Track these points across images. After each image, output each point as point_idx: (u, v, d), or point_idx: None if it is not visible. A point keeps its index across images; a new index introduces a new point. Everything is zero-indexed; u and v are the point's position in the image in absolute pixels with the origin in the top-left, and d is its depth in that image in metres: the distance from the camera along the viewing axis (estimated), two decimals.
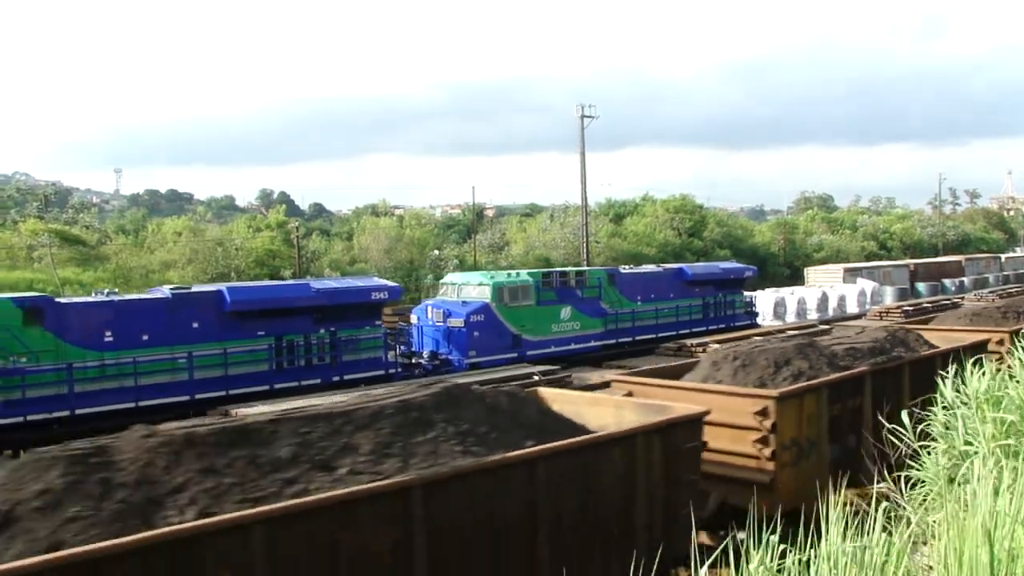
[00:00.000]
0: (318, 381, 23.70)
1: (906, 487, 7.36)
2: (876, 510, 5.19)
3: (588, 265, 51.33)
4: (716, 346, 24.01)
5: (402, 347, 27.11)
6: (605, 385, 15.41)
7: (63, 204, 69.06)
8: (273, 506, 6.24)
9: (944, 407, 8.47)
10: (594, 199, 73.34)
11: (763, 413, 10.30)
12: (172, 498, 6.43)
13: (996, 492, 5.55)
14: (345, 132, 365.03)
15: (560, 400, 10.37)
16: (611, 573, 7.97)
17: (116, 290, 26.49)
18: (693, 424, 9.25)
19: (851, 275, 51.49)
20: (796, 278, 62.97)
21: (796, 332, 29.64)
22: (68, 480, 6.23)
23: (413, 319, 28.56)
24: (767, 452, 10.31)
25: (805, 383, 11.29)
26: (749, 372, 11.90)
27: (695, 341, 29.68)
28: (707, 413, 9.49)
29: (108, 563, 5.43)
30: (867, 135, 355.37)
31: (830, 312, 43.39)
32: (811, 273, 55.22)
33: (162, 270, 49.59)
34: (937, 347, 14.73)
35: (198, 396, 21.47)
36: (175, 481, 6.54)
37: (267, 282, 39.76)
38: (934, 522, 6.23)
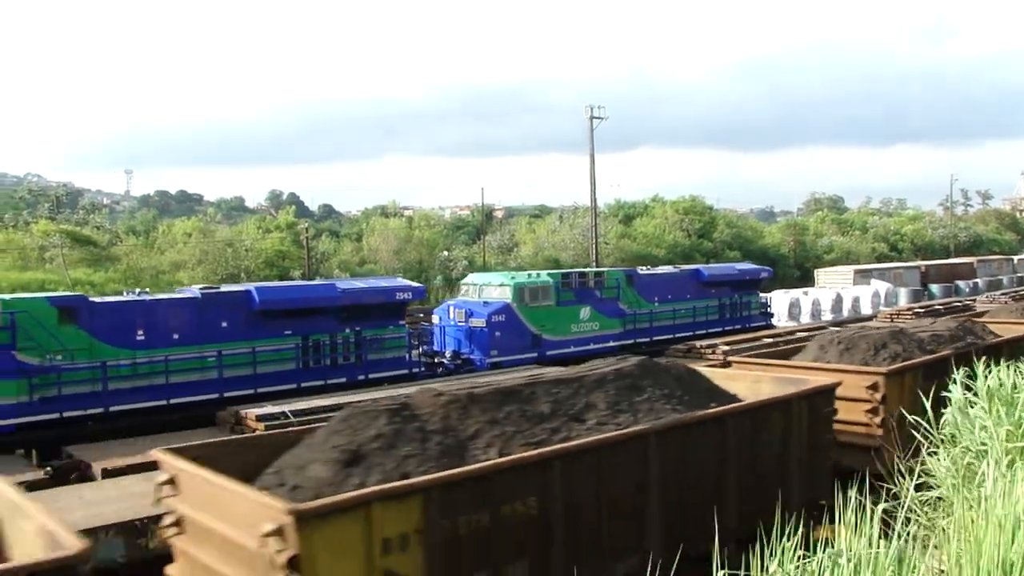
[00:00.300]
0: (344, 380, 23.85)
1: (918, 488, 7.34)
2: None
3: (598, 266, 51.32)
4: (725, 348, 23.98)
5: (424, 347, 27.27)
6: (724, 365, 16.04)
7: (74, 205, 69.41)
8: (566, 444, 8.18)
9: (960, 406, 8.44)
10: (603, 200, 73.23)
11: (874, 387, 11.88)
12: (472, 441, 8.08)
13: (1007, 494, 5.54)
14: (355, 133, 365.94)
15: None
16: (772, 508, 8.62)
17: (147, 289, 26.67)
18: (829, 393, 11.09)
19: (862, 277, 51.24)
20: (806, 279, 62.78)
21: (805, 333, 29.63)
22: (394, 427, 7.88)
23: (435, 319, 28.70)
24: (877, 420, 11.85)
25: (904, 363, 12.97)
26: (853, 354, 13.76)
27: (704, 343, 29.62)
28: (839, 384, 11.26)
29: (503, 474, 7.49)
30: (878, 136, 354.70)
31: (844, 313, 43.25)
32: (821, 275, 55.00)
33: (172, 271, 49.76)
34: (1001, 336, 16.35)
35: (227, 394, 21.63)
36: (470, 429, 8.20)
37: (294, 282, 39.86)
38: (945, 527, 6.22)
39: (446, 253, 62.89)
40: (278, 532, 6.23)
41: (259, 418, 18.27)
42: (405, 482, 7.01)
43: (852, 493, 5.87)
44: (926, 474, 7.85)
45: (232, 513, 6.80)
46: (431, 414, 8.21)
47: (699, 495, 9.12)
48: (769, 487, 9.51)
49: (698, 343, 29.79)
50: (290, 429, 9.87)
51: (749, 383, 11.48)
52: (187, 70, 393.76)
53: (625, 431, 8.61)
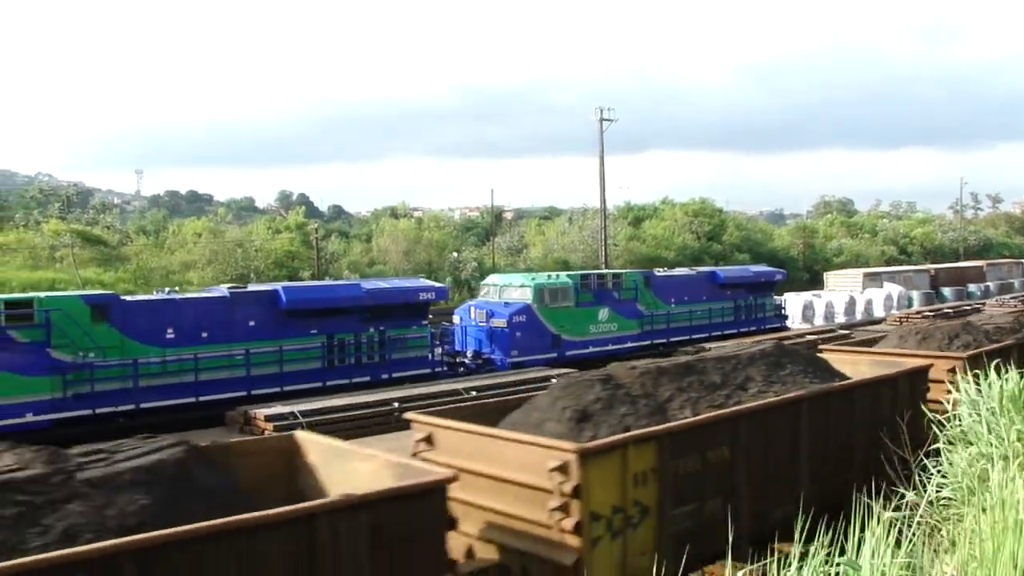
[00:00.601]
0: (368, 378, 24.18)
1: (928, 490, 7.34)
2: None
3: (607, 268, 51.28)
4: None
5: (445, 346, 27.65)
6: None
7: (85, 205, 69.66)
8: (749, 405, 9.78)
9: (970, 410, 8.43)
10: (613, 202, 73.18)
11: (953, 371, 12.51)
12: (668, 404, 9.62)
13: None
14: (365, 134, 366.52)
15: None
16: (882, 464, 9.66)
17: (177, 288, 27.19)
18: (924, 373, 12.61)
19: (871, 280, 51.12)
20: (816, 282, 62.62)
21: (815, 336, 29.63)
22: (608, 393, 9.33)
23: (456, 319, 29.03)
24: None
25: (975, 350, 14.11)
26: (929, 343, 15.33)
27: (713, 345, 29.77)
28: (931, 366, 12.72)
29: (708, 427, 9.10)
30: (888, 138, 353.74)
31: (857, 316, 43.55)
32: (830, 278, 54.81)
33: (182, 271, 49.87)
34: None
35: (255, 392, 21.95)
36: (664, 395, 9.74)
37: (320, 282, 40.41)
38: (957, 531, 6.20)
39: (456, 254, 62.92)
40: (562, 468, 7.68)
41: (268, 418, 18.40)
42: (647, 430, 8.61)
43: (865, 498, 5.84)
44: (941, 474, 7.84)
45: (507, 458, 8.21)
46: (632, 383, 9.76)
47: (834, 453, 10.65)
48: (884, 449, 10.48)
49: (707, 345, 29.94)
50: (510, 397, 11.25)
51: (851, 365, 13.02)
52: (198, 71, 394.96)
53: (786, 396, 10.27)
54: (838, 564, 4.90)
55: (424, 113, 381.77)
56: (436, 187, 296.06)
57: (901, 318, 39.04)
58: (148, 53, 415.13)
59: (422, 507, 6.85)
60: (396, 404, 19.50)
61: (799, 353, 12.22)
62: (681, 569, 7.09)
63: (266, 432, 17.24)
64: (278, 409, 19.00)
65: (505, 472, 8.17)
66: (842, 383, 11.35)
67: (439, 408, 10.47)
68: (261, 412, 18.76)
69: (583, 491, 7.67)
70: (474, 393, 20.36)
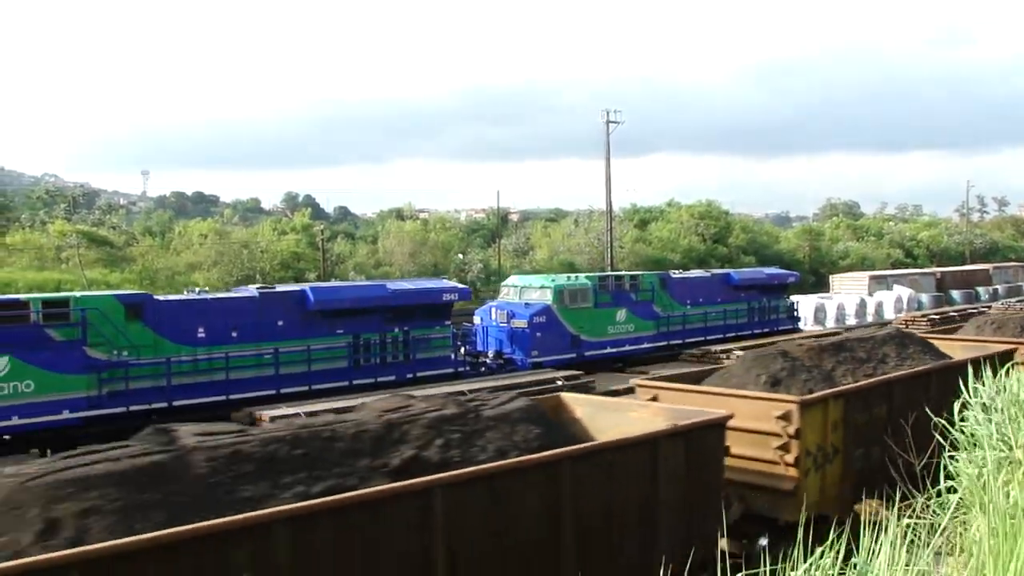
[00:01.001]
0: (393, 378, 24.51)
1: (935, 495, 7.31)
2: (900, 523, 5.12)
3: (613, 270, 51.28)
4: (739, 352, 23.96)
5: (467, 346, 28.07)
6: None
7: (91, 206, 69.88)
8: (898, 374, 12.45)
9: (983, 409, 8.38)
10: (619, 204, 73.12)
11: None
12: (833, 373, 12.44)
13: None
14: (371, 136, 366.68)
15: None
16: None
17: (207, 288, 27.87)
18: (1010, 354, 13.92)
19: (877, 283, 51.10)
20: (821, 285, 62.54)
21: (813, 339, 29.59)
22: (788, 363, 12.23)
23: (476, 320, 29.41)
24: None
25: None
26: (1003, 331, 18.08)
27: (719, 347, 29.99)
28: (1016, 349, 14.74)
29: (873, 390, 11.86)
30: (894, 141, 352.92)
31: (868, 318, 43.82)
32: (836, 280, 54.69)
33: (188, 272, 49.92)
34: None
35: (283, 390, 22.37)
36: (828, 365, 12.59)
37: (346, 283, 41.03)
38: (964, 532, 6.16)
39: (461, 256, 62.93)
40: (786, 416, 10.34)
41: (272, 419, 18.42)
42: (839, 388, 11.41)
43: (872, 503, 5.83)
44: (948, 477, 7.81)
45: (738, 411, 10.26)
46: (803, 356, 12.49)
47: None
48: None
49: (713, 347, 30.12)
50: (707, 367, 15.26)
51: (947, 349, 15.00)
52: (205, 73, 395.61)
53: (919, 368, 12.83)
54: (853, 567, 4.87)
55: (430, 115, 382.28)
56: (442, 189, 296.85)
57: (906, 320, 39.16)
58: (155, 55, 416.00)
59: (713, 435, 9.58)
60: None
61: (913, 336, 14.99)
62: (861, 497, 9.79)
63: None
64: (283, 411, 19.03)
65: (734, 422, 10.02)
66: (956, 360, 13.39)
67: (658, 375, 13.98)
68: (267, 413, 18.83)
69: (801, 435, 10.30)
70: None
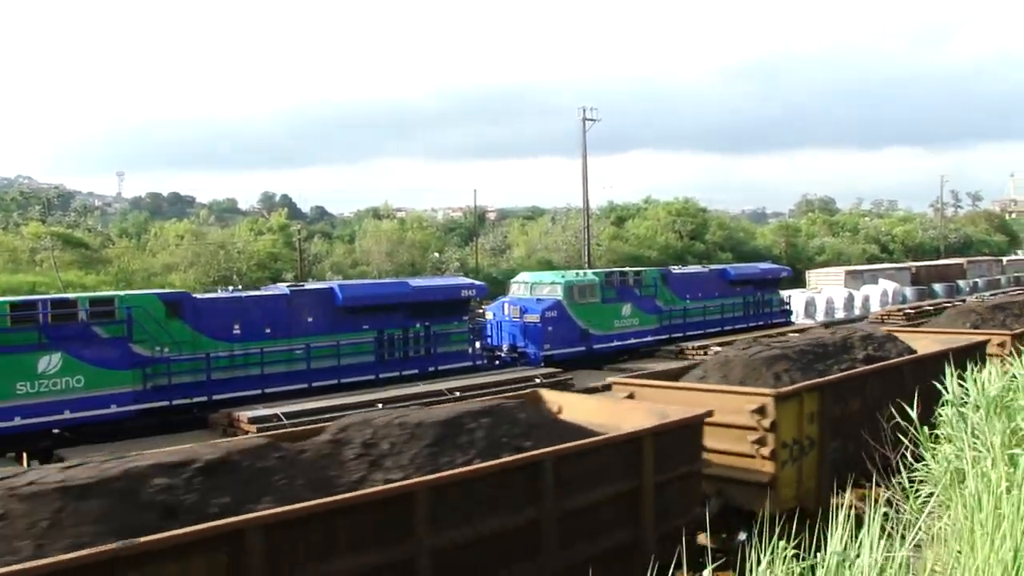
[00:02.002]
0: (416, 371, 25.47)
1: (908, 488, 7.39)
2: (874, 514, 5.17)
3: (590, 267, 51.45)
4: (717, 349, 24.12)
5: (482, 341, 28.99)
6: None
7: (65, 207, 69.45)
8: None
9: (955, 406, 8.47)
10: (596, 202, 73.28)
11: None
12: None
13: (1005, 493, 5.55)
14: (348, 136, 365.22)
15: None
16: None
17: (240, 287, 29.03)
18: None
19: (853, 278, 51.67)
20: (798, 281, 62.88)
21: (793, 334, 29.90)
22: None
23: (488, 315, 30.41)
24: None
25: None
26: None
27: (696, 344, 30.51)
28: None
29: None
30: (870, 138, 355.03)
31: (856, 311, 45.37)
32: (812, 276, 55.10)
33: (164, 273, 49.69)
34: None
35: (314, 384, 23.13)
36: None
37: (372, 280, 42.25)
38: (939, 526, 6.22)
39: (438, 255, 62.91)
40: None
41: (251, 420, 18.38)
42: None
43: (847, 496, 5.86)
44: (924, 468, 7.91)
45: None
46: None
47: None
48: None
49: (688, 344, 30.69)
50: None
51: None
52: (179, 72, 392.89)
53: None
54: (823, 557, 4.91)
55: (408, 115, 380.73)
56: (420, 188, 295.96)
57: (883, 316, 39.84)
58: (128, 54, 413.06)
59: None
60: (380, 407, 19.48)
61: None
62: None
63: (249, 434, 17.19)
64: (261, 411, 19.00)
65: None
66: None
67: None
68: (244, 415, 18.82)
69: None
70: (457, 394, 20.37)
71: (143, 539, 5.73)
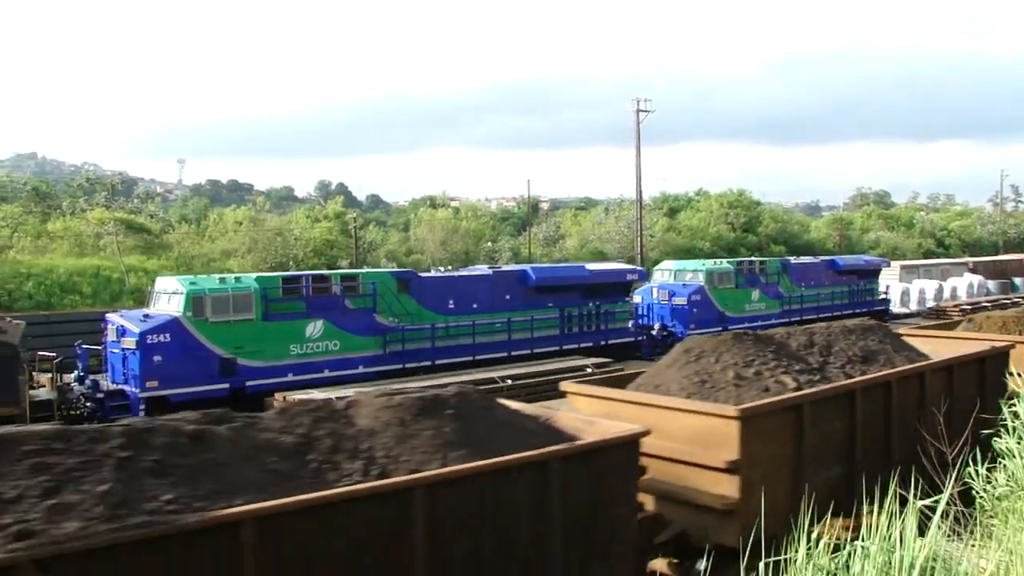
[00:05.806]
0: (591, 344, 28.80)
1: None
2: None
3: (642, 258, 51.63)
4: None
5: (636, 321, 32.31)
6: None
7: (129, 194, 70.61)
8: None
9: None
10: (648, 193, 73.18)
11: None
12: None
13: None
14: (403, 127, 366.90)
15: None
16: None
17: (451, 267, 33.18)
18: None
19: (908, 272, 51.41)
20: None
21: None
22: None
23: (637, 299, 33.78)
24: None
25: None
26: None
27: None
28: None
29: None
30: (924, 130, 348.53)
31: (944, 301, 48.07)
32: None
33: (222, 258, 50.53)
34: None
35: (513, 353, 26.61)
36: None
37: (556, 264, 45.85)
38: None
39: (491, 244, 63.28)
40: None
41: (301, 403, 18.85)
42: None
43: (892, 486, 5.77)
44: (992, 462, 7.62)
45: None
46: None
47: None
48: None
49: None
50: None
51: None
52: (240, 65, 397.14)
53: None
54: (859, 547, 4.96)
55: (461, 107, 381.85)
56: (474, 178, 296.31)
57: (938, 310, 40.69)
58: (194, 48, 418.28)
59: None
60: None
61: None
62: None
63: None
64: (315, 395, 19.48)
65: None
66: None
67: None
68: (298, 398, 19.25)
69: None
70: (509, 382, 20.79)
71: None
